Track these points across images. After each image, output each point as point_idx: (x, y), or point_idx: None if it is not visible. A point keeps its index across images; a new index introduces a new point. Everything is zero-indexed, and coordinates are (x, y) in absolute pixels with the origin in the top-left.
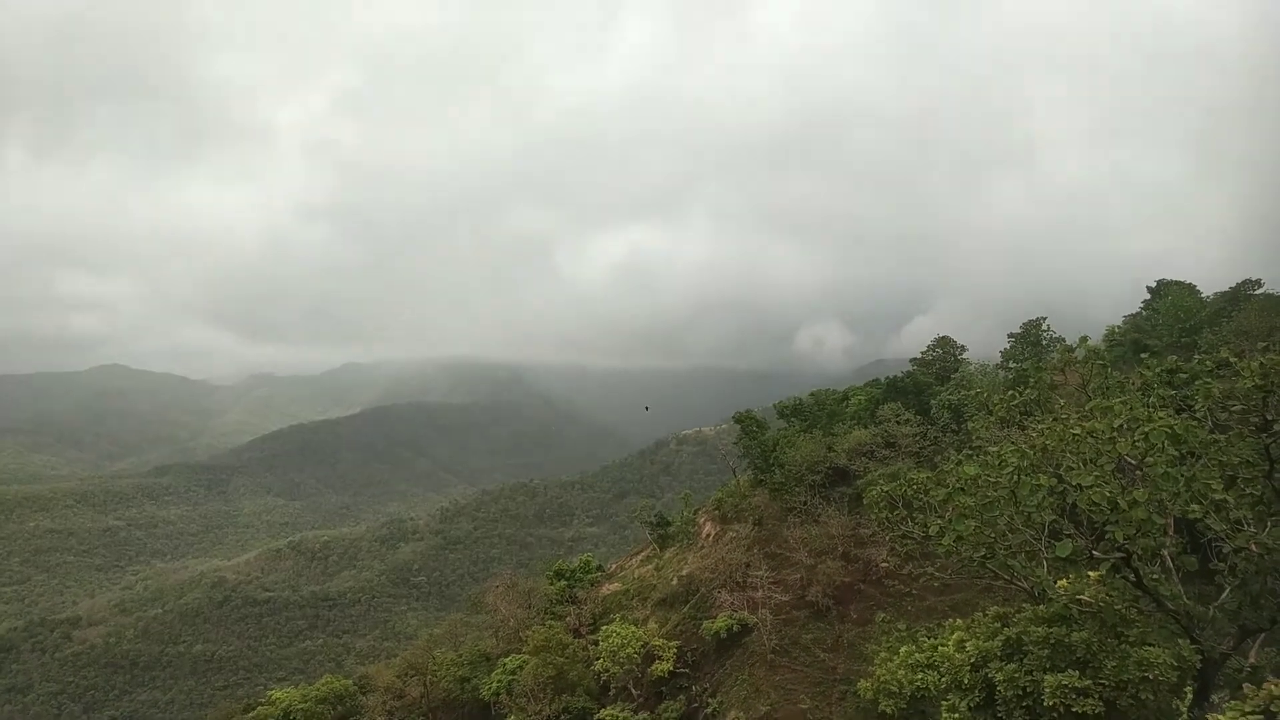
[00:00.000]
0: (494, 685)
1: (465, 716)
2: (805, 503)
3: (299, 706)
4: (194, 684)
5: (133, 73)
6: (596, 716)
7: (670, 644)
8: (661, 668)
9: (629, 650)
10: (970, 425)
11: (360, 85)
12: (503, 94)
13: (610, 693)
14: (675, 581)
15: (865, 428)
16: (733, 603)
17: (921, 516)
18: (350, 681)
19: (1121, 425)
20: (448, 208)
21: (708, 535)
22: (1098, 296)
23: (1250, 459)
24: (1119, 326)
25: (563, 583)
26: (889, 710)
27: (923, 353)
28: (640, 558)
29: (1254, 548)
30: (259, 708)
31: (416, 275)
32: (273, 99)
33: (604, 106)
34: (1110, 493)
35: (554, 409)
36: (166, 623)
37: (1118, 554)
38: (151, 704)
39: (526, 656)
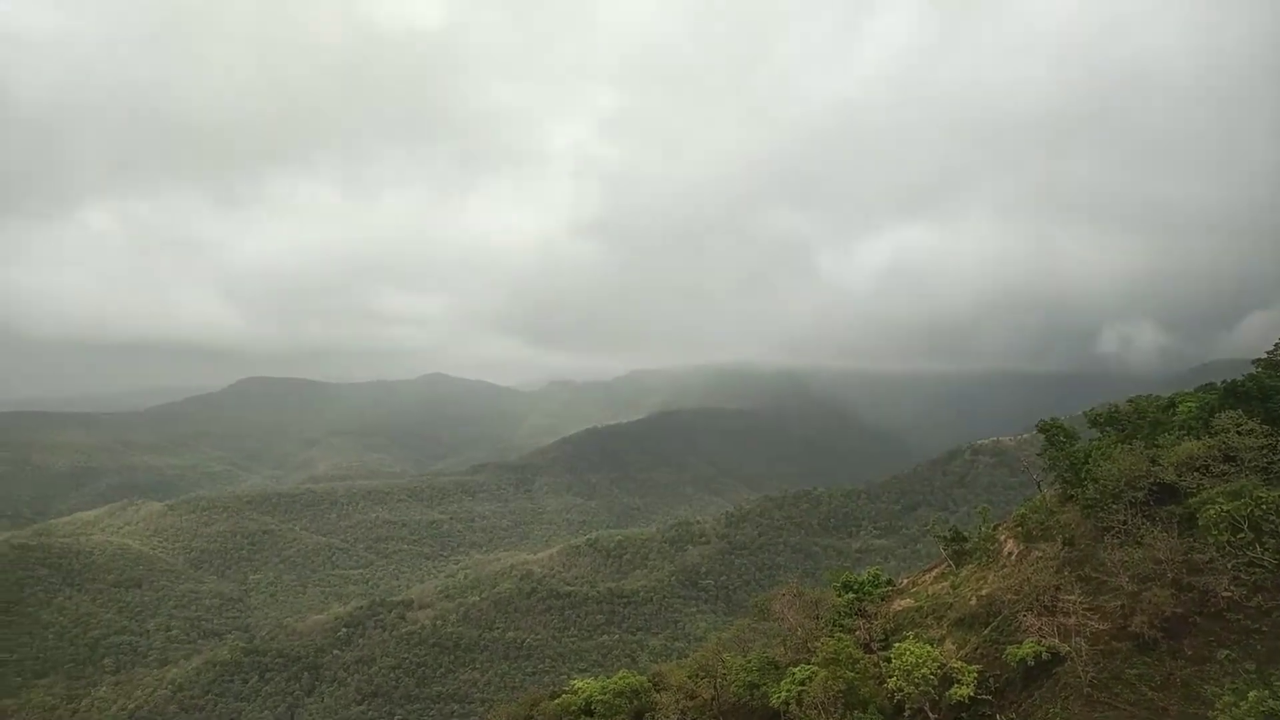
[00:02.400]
0: (783, 694)
1: None
2: (1125, 522)
3: (598, 698)
4: (507, 668)
5: (418, 112)
6: None
7: (970, 668)
8: (961, 692)
9: (924, 670)
10: None
11: (620, 104)
12: (754, 98)
13: (905, 714)
14: (974, 601)
15: (1197, 438)
16: (1040, 628)
17: (1275, 541)
18: (645, 678)
19: None
20: (707, 216)
21: (1009, 554)
22: None
23: None
24: None
25: (851, 595)
26: None
27: (1269, 352)
28: (934, 574)
29: None
30: (563, 695)
31: (680, 283)
32: (542, 126)
33: (859, 103)
34: None
35: (834, 415)
36: (483, 609)
37: None
38: (471, 683)
39: (816, 668)
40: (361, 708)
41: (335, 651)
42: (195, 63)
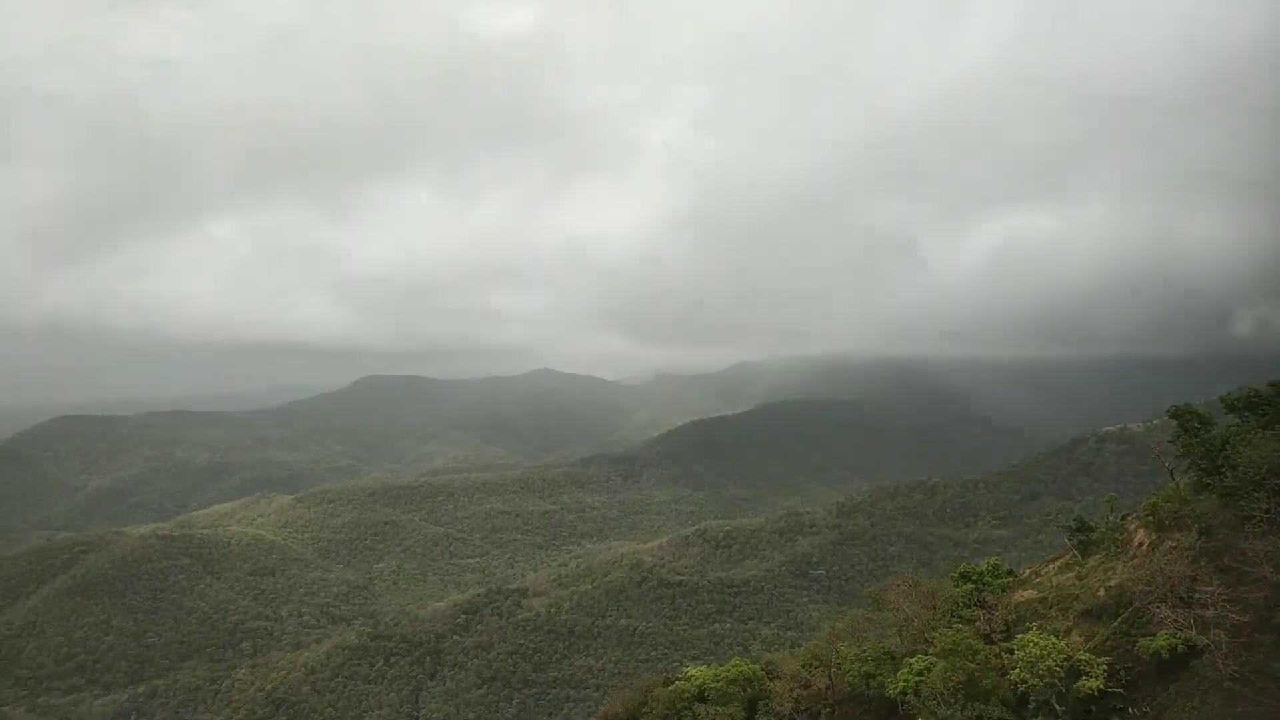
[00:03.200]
0: (900, 684)
1: (870, 713)
2: (1268, 510)
3: (712, 685)
4: (620, 654)
5: (515, 116)
6: None
7: (1099, 660)
8: (1091, 684)
9: (1050, 663)
10: None
11: (712, 99)
12: (850, 85)
13: (1030, 706)
14: (1102, 592)
15: None
16: (1176, 620)
17: None
18: (758, 666)
19: None
20: (805, 206)
21: (1140, 544)
22: None
23: None
24: None
25: (970, 585)
26: None
27: None
28: (1058, 564)
29: None
30: (676, 682)
31: (780, 275)
32: (636, 124)
33: (963, 85)
34: None
35: (945, 403)
36: (595, 598)
37: None
38: (586, 670)
39: (934, 659)
40: (481, 691)
41: (455, 637)
42: (300, 78)
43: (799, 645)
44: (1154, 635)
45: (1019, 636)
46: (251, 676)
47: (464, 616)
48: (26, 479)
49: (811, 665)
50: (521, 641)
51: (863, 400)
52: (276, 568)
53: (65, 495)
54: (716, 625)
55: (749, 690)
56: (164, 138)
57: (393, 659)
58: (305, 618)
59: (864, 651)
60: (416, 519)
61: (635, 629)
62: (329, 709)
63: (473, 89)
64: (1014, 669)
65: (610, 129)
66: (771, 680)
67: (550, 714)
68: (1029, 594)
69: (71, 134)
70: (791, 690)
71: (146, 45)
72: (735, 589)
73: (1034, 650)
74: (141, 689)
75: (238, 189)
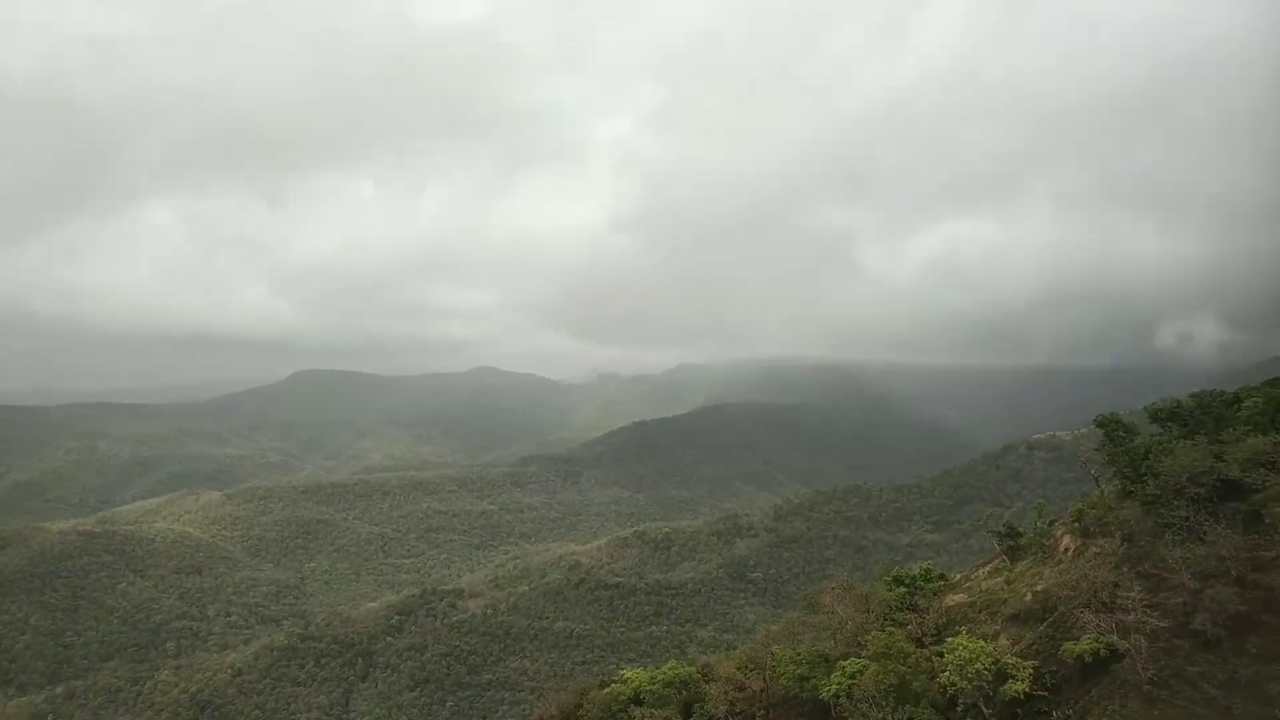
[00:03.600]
0: (833, 687)
1: (804, 715)
2: (1187, 518)
3: (648, 688)
4: (556, 657)
5: (461, 109)
6: None
7: (1025, 663)
8: (1017, 687)
9: (978, 666)
10: None
11: (663, 98)
12: (801, 90)
13: (958, 708)
14: (1029, 597)
15: (1264, 434)
16: (1099, 625)
17: None
18: (694, 669)
19: None
20: (752, 210)
21: (1066, 549)
22: None
23: None
24: None
25: (902, 589)
26: None
27: None
28: (988, 569)
29: None
30: (613, 685)
31: (725, 278)
32: (584, 121)
33: (912, 93)
34: None
35: (885, 409)
36: (532, 599)
37: None
38: (521, 671)
39: (866, 662)
40: (414, 694)
41: (388, 638)
42: (245, 63)
43: (735, 648)
44: (1078, 639)
45: (949, 640)
46: (175, 678)
47: (398, 617)
48: None
49: (747, 668)
50: (456, 643)
51: (803, 405)
52: (203, 566)
53: None
54: (654, 627)
55: (685, 693)
56: (101, 118)
57: (323, 660)
58: (233, 618)
59: (799, 654)
60: (350, 517)
61: (572, 631)
62: (256, 711)
63: (419, 80)
64: (943, 672)
65: (559, 125)
66: (707, 683)
67: (485, 717)
68: (959, 598)
69: None
70: (727, 693)
71: (89, 23)
72: (673, 591)
73: (963, 654)
74: (59, 690)
75: (173, 174)
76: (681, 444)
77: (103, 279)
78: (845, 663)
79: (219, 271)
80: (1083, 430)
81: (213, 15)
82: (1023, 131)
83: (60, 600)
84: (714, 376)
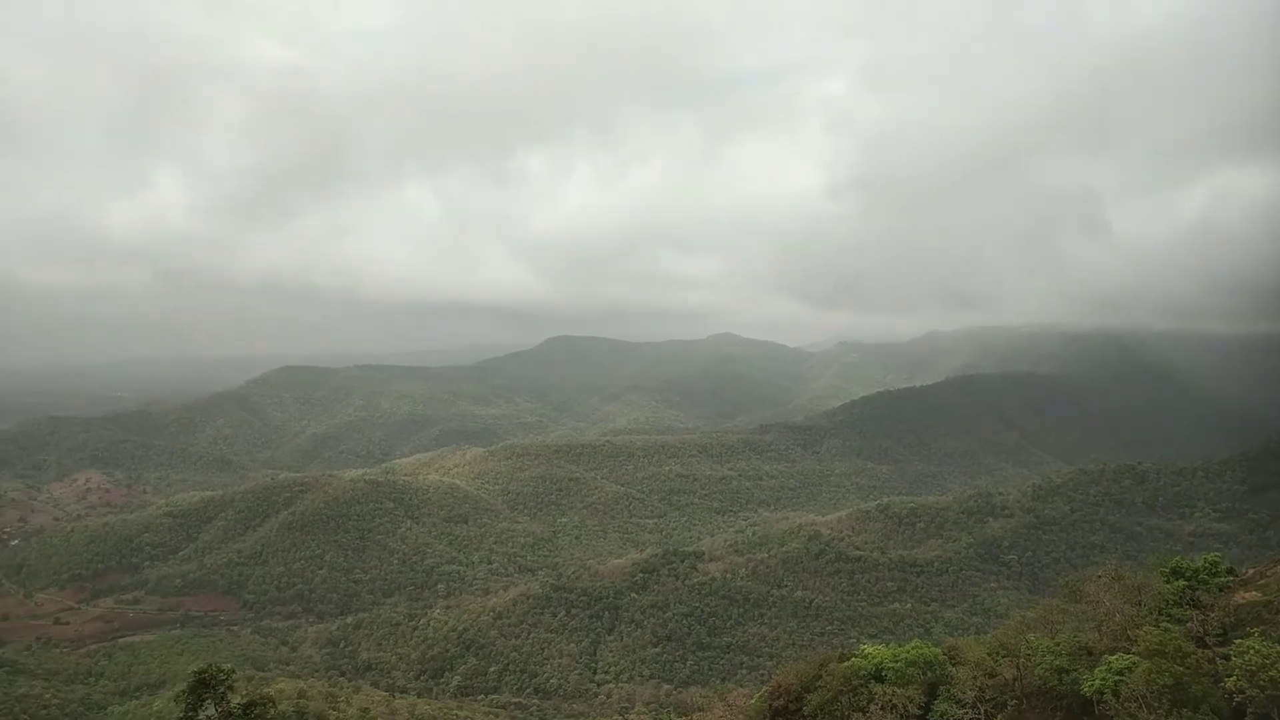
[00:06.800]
0: (1097, 683)
1: (1061, 709)
2: None
3: (890, 665)
4: (794, 625)
5: (669, 79)
6: None
7: None
8: None
9: (1274, 673)
10: None
11: (873, 55)
12: (1023, 37)
13: (1244, 718)
14: None
15: None
16: None
17: None
18: (940, 650)
19: None
20: (980, 168)
21: None
22: None
23: None
24: None
25: (1181, 582)
26: None
27: None
28: None
29: None
30: (853, 659)
31: (957, 240)
32: (792, 82)
33: (1154, 34)
34: None
35: (1161, 382)
36: (771, 566)
37: None
38: (759, 637)
39: (1136, 658)
40: (656, 649)
41: (633, 595)
42: (471, 52)
43: (985, 632)
44: None
45: (1237, 642)
46: (445, 616)
47: (642, 575)
48: (255, 424)
49: (998, 654)
50: (697, 604)
51: (1063, 375)
52: (469, 516)
53: (288, 438)
54: (896, 604)
55: (929, 674)
56: (341, 111)
57: (573, 610)
58: (494, 565)
59: (1057, 644)
60: (599, 477)
61: (811, 601)
62: (513, 653)
63: (620, 53)
64: (1230, 676)
65: (766, 89)
66: (954, 665)
67: (723, 678)
68: (1251, 596)
69: (253, 105)
70: (976, 678)
71: (355, 16)
72: (918, 569)
73: (1255, 658)
74: (349, 620)
75: (415, 156)
76: (928, 416)
77: (370, 254)
78: (1112, 658)
79: (469, 245)
80: None
81: (443, 11)
82: None
83: (350, 540)
84: (967, 344)
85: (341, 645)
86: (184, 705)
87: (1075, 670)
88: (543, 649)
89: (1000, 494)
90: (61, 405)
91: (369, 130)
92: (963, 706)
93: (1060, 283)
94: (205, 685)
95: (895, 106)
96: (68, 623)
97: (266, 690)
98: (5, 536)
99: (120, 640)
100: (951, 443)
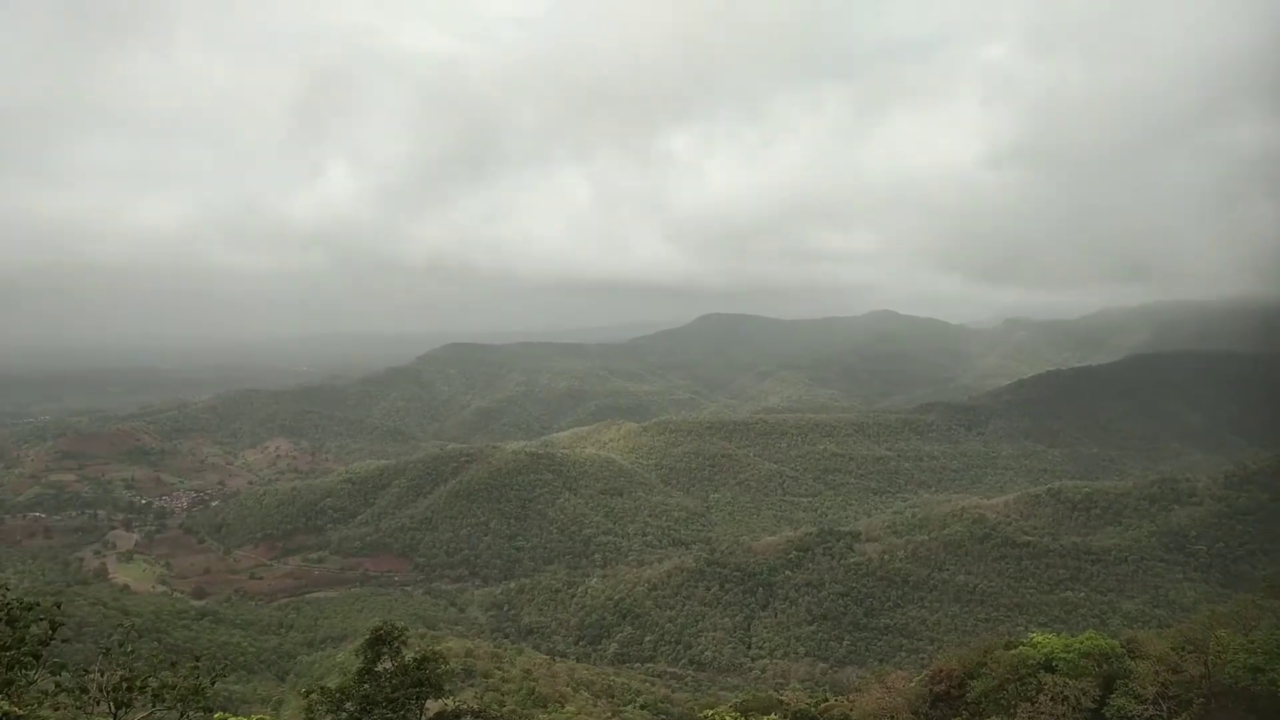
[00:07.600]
0: None
1: (1255, 711)
2: None
3: (1062, 655)
4: (957, 610)
5: (817, 51)
6: None
7: None
8: None
9: None
10: None
11: (1035, 17)
12: None
13: None
14: None
15: None
16: None
17: None
18: (1117, 642)
19: None
20: (1151, 133)
21: None
22: None
23: None
24: None
25: None
26: None
27: None
28: None
29: None
30: (1021, 647)
31: (1133, 210)
32: (949, 50)
33: None
34: None
35: None
36: (932, 549)
37: None
38: (919, 621)
39: None
40: (811, 628)
41: (787, 572)
42: (622, 32)
43: (1168, 626)
44: None
45: None
46: (602, 585)
47: (796, 553)
48: (424, 397)
49: (1183, 649)
50: (853, 585)
51: (1263, 355)
52: (624, 489)
53: (454, 412)
54: (1069, 593)
55: (1105, 667)
56: (493, 98)
57: (727, 585)
58: (649, 537)
59: (1253, 642)
60: (751, 454)
61: (975, 586)
62: (669, 624)
63: (769, 25)
64: None
65: (919, 58)
66: (1133, 659)
67: (881, 660)
68: None
69: (412, 93)
70: (1158, 673)
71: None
72: (1093, 556)
73: None
74: (512, 585)
75: (561, 141)
76: (1104, 396)
77: (524, 235)
78: None
79: (618, 226)
80: None
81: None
82: None
83: (512, 509)
84: (1146, 321)
85: (505, 609)
86: (363, 658)
87: (1274, 671)
88: (697, 622)
89: (1187, 480)
90: (254, 379)
91: (519, 116)
92: (1142, 702)
93: (1250, 254)
94: (382, 641)
95: (1060, 69)
96: (261, 578)
97: (437, 647)
98: (207, 497)
99: (307, 595)
100: (1129, 424)
